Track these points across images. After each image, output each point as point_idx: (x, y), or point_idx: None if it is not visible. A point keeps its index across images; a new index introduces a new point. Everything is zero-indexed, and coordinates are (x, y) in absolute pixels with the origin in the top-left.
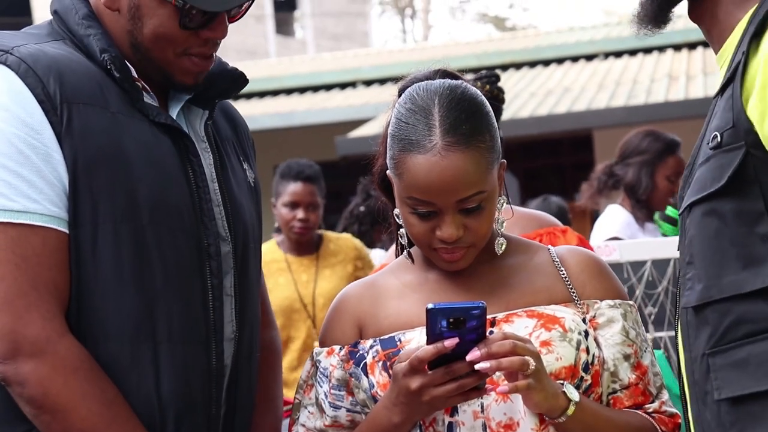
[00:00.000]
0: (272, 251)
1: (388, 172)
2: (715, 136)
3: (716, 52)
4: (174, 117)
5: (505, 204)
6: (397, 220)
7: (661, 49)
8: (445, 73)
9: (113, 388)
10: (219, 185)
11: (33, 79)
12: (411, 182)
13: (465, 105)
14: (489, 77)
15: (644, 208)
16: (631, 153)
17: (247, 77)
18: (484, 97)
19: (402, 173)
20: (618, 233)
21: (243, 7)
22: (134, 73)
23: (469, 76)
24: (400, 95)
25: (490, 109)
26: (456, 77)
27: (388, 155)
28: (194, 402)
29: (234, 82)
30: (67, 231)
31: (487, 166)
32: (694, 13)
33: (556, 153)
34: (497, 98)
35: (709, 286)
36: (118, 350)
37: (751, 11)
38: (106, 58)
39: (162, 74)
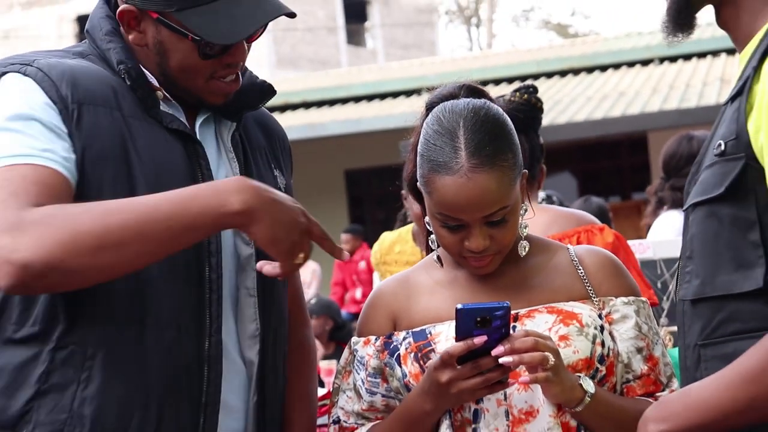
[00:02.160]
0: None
1: (418, 184)
2: (720, 145)
3: (738, 49)
4: (198, 126)
5: (527, 210)
6: (428, 227)
7: (715, 53)
8: (469, 89)
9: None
10: None
11: (47, 84)
12: (440, 200)
13: (488, 127)
14: (527, 87)
15: None
16: (688, 160)
17: (275, 89)
18: (506, 116)
19: (431, 192)
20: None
21: (259, 31)
22: (154, 83)
23: (508, 89)
24: (428, 110)
25: (512, 126)
26: (480, 93)
27: (418, 172)
28: (179, 387)
29: (262, 93)
30: (71, 180)
31: (510, 182)
32: (720, 20)
33: (613, 155)
34: (535, 107)
35: (705, 283)
36: (104, 331)
37: (762, 34)
38: (121, 68)
39: (194, 97)
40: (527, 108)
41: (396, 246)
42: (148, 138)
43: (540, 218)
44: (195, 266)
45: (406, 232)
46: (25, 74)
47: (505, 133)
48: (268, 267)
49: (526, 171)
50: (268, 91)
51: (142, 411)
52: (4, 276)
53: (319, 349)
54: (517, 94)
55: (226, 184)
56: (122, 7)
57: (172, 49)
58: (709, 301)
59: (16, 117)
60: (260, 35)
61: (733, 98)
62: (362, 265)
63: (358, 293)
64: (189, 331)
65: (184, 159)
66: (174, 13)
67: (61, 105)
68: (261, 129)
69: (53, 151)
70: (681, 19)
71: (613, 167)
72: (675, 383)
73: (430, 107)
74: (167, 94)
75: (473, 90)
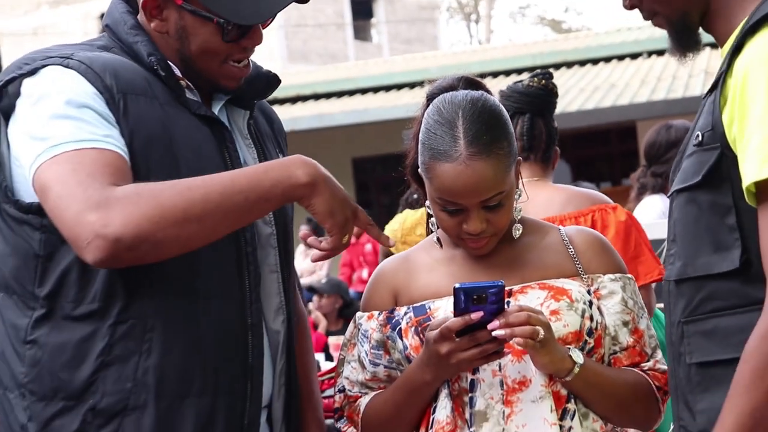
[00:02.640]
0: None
1: (419, 170)
2: (698, 135)
3: (719, 45)
4: (217, 113)
5: (521, 194)
6: (428, 210)
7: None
8: (468, 81)
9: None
10: None
11: (92, 75)
12: (440, 186)
13: (485, 117)
14: (544, 74)
15: None
16: (667, 148)
17: (281, 79)
18: (502, 107)
19: (432, 178)
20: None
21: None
22: (178, 73)
23: (506, 81)
24: (428, 101)
25: (508, 117)
26: (478, 85)
27: (419, 159)
28: (230, 352)
29: (269, 83)
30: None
31: (505, 169)
32: (705, 26)
33: (604, 143)
34: (552, 92)
35: (686, 264)
36: (158, 305)
37: (742, 23)
38: (152, 60)
39: (207, 81)
40: (544, 93)
41: (418, 228)
42: (183, 124)
43: (557, 197)
44: (233, 241)
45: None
46: (68, 66)
47: (502, 123)
48: (323, 243)
49: (520, 159)
50: (275, 80)
51: (200, 377)
52: (94, 249)
53: (329, 325)
54: (535, 79)
55: (292, 160)
56: None
57: (194, 33)
58: (690, 281)
59: (72, 103)
60: (272, 21)
61: (710, 91)
62: (368, 247)
63: (364, 273)
64: (233, 301)
65: (213, 143)
66: None
67: (107, 95)
68: (264, 117)
69: (112, 137)
70: (685, 42)
71: (604, 154)
72: (659, 354)
73: (430, 98)
74: (188, 83)
75: (471, 82)
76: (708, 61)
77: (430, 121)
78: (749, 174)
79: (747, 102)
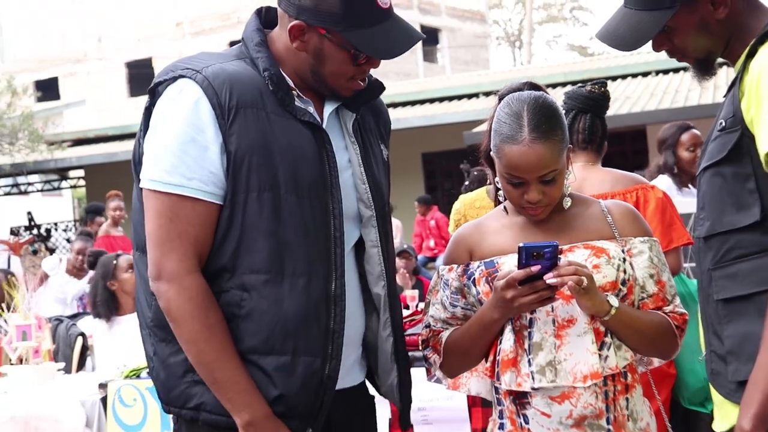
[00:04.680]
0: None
1: (491, 153)
2: (722, 123)
3: (732, 64)
4: (327, 116)
5: (571, 174)
6: (496, 185)
7: None
8: (531, 85)
9: (217, 317)
10: (365, 168)
11: (211, 92)
12: (507, 163)
13: (545, 110)
14: (602, 83)
15: (679, 176)
16: (661, 143)
17: (385, 86)
18: (557, 104)
19: (501, 157)
20: None
21: None
22: (291, 84)
23: (560, 89)
24: (500, 100)
25: (562, 112)
26: (538, 88)
27: (492, 143)
28: (310, 319)
29: (374, 90)
30: (211, 201)
31: (559, 152)
32: (728, 59)
33: (620, 142)
34: (607, 98)
35: (714, 224)
36: (255, 278)
37: (751, 43)
38: (266, 74)
39: (329, 90)
40: (602, 98)
41: (476, 203)
42: (285, 129)
43: (609, 177)
44: (323, 228)
45: (484, 192)
46: (195, 80)
47: (557, 116)
48: None
49: (571, 146)
50: (380, 87)
51: (281, 338)
52: (152, 284)
53: (404, 281)
54: (596, 86)
55: (252, 411)
56: (294, 22)
57: (330, 57)
58: (718, 236)
59: (183, 132)
60: None
61: (729, 89)
62: (432, 223)
63: (431, 242)
64: (318, 277)
65: (313, 144)
66: (340, 31)
67: (218, 111)
68: (371, 111)
69: (213, 174)
70: (706, 71)
71: (620, 152)
72: (677, 300)
73: (501, 97)
74: (300, 93)
75: (533, 85)
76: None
77: (502, 114)
78: (764, 145)
79: (761, 92)
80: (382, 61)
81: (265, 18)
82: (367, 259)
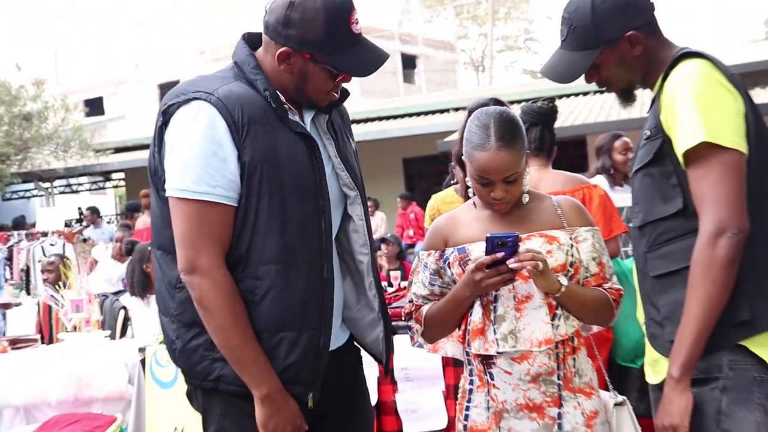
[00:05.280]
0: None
1: (462, 157)
2: (647, 132)
3: (651, 89)
4: (308, 121)
5: (529, 175)
6: (467, 184)
7: None
8: (496, 101)
9: (241, 306)
10: (341, 158)
11: (225, 112)
12: (477, 167)
13: (508, 123)
14: (549, 100)
15: (614, 176)
16: (598, 149)
17: (350, 92)
18: (518, 117)
19: (472, 161)
20: None
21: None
22: (284, 100)
23: (516, 106)
24: (470, 113)
25: (522, 124)
26: (502, 103)
27: (464, 149)
28: (310, 300)
29: (344, 95)
30: (232, 204)
31: (520, 158)
32: (647, 85)
33: (565, 149)
34: (555, 111)
35: (646, 215)
36: (267, 269)
37: (665, 68)
38: (267, 94)
39: (308, 102)
40: (550, 112)
41: (447, 198)
42: (285, 141)
43: (559, 178)
44: (316, 223)
45: (452, 190)
46: (209, 102)
47: (518, 127)
48: None
49: (529, 152)
50: (346, 94)
51: (290, 317)
52: (182, 277)
53: (389, 263)
54: (545, 102)
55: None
56: (282, 49)
57: (313, 77)
58: (650, 224)
59: (206, 147)
60: None
61: (651, 107)
62: (412, 216)
63: (410, 232)
64: (314, 265)
65: (306, 153)
66: (323, 55)
67: (234, 128)
68: (339, 114)
69: (231, 181)
70: (627, 98)
71: (565, 157)
72: (614, 279)
73: (471, 111)
74: (291, 106)
75: (498, 101)
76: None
77: (472, 125)
78: (681, 146)
79: (676, 106)
80: (365, 80)
81: (249, 41)
82: (354, 230)
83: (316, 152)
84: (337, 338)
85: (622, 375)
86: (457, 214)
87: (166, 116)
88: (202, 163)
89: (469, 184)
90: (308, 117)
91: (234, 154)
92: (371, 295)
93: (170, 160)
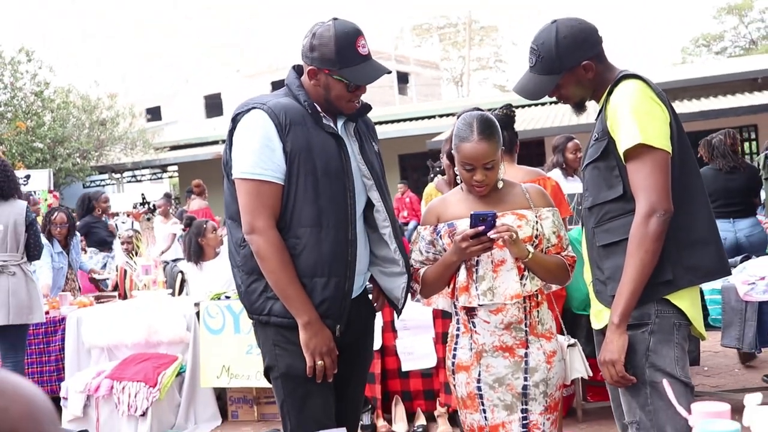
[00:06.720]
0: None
1: (452, 151)
2: (596, 135)
3: (597, 102)
4: (338, 127)
5: (503, 166)
6: (455, 173)
7: None
8: (477, 109)
9: (287, 257)
10: (362, 156)
11: (273, 116)
12: (463, 155)
13: (488, 122)
14: (507, 107)
15: (566, 169)
16: (554, 148)
17: (372, 107)
18: (495, 119)
19: (459, 151)
20: None
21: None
22: (319, 109)
23: (496, 109)
24: (458, 117)
25: (498, 124)
26: (480, 110)
27: (453, 144)
28: (337, 254)
29: (366, 108)
30: (280, 182)
31: (496, 149)
32: (595, 98)
33: (527, 149)
34: (508, 115)
35: (594, 198)
36: (304, 230)
37: (609, 86)
38: (306, 104)
39: (337, 110)
40: (507, 117)
41: (432, 189)
42: (318, 138)
43: (520, 172)
44: (343, 198)
45: (433, 184)
46: (263, 110)
47: (496, 126)
48: None
49: (504, 147)
50: (368, 107)
51: (321, 267)
52: (246, 237)
53: None
54: (503, 109)
55: (310, 323)
56: (310, 67)
57: (333, 88)
58: (597, 206)
59: (261, 137)
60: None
61: (598, 115)
62: (407, 200)
63: (404, 213)
64: (341, 229)
65: (335, 147)
66: (337, 70)
67: (279, 127)
68: (365, 123)
69: (279, 166)
70: (580, 109)
71: (527, 155)
72: (570, 248)
73: (458, 116)
74: (326, 115)
75: (478, 109)
76: (590, 106)
77: (459, 124)
78: (622, 146)
79: (618, 115)
80: (369, 92)
81: (297, 71)
82: (376, 210)
83: (343, 147)
84: (360, 288)
85: (573, 323)
86: (447, 197)
87: (234, 122)
88: (258, 152)
89: (458, 172)
90: (340, 122)
91: (280, 146)
92: (397, 256)
93: (236, 152)
